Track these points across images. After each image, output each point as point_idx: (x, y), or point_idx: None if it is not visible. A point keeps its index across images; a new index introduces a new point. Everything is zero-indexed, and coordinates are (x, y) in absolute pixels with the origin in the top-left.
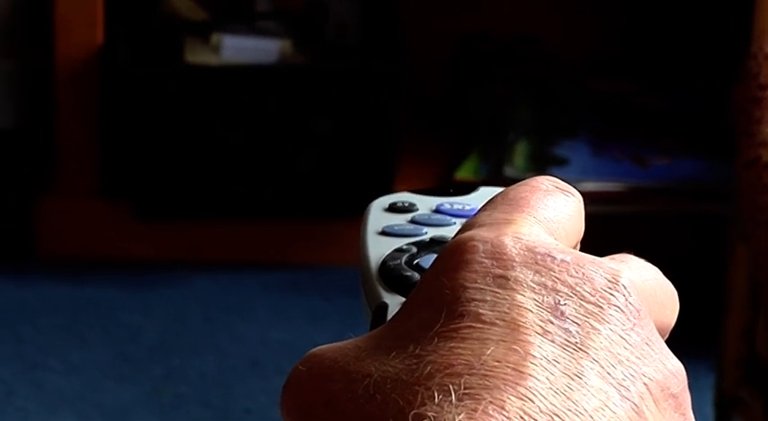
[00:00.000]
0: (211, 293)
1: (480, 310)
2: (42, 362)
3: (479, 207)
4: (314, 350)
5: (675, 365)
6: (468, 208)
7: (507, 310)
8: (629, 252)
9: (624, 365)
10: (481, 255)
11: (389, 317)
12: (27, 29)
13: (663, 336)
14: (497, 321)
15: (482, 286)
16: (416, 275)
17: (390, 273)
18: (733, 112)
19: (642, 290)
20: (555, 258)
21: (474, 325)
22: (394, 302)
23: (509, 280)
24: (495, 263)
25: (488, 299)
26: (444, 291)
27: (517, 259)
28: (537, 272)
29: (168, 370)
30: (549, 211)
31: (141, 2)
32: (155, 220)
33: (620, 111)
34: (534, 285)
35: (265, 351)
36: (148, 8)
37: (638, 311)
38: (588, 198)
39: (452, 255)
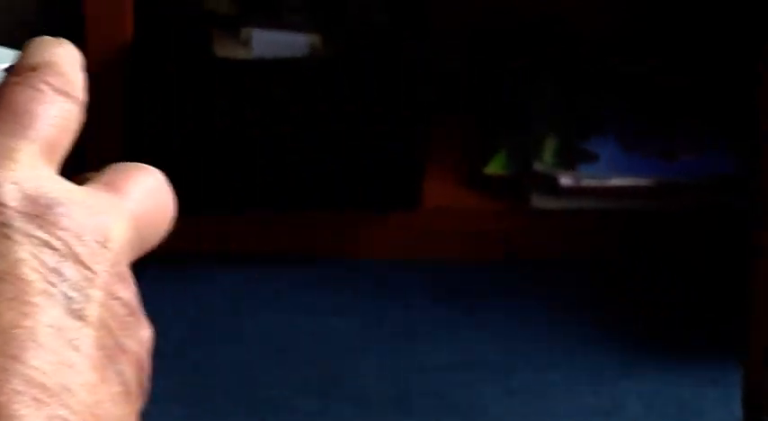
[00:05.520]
0: (239, 286)
1: None
2: None
3: None
4: None
5: (148, 333)
6: None
7: (10, 268)
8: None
9: (114, 337)
10: None
11: None
12: (55, 24)
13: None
14: (4, 276)
15: None
16: None
17: None
18: (758, 108)
19: (131, 239)
20: (53, 210)
21: None
22: None
23: (11, 232)
24: None
25: None
26: None
27: (18, 209)
28: (39, 226)
29: (196, 362)
30: (54, 131)
31: None
32: (183, 213)
33: (648, 93)
34: (36, 241)
35: (291, 344)
36: (178, 2)
37: (122, 277)
38: (617, 194)
39: None
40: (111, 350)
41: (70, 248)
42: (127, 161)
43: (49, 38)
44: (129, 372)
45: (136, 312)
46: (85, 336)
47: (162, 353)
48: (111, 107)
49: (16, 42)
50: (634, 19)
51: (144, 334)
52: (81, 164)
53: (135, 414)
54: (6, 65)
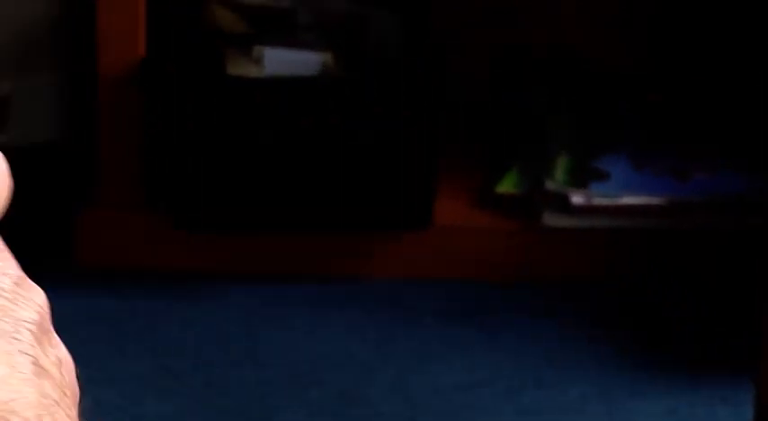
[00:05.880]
0: (252, 306)
1: None
2: (82, 373)
3: None
4: None
5: (41, 297)
6: None
7: None
8: None
9: (9, 316)
10: None
11: None
12: (68, 42)
13: None
14: None
15: None
16: None
17: None
18: None
19: None
20: None
21: None
22: None
23: None
24: None
25: None
26: None
27: None
28: None
29: (208, 382)
30: None
31: (183, 14)
32: (196, 232)
33: (659, 111)
34: None
35: (305, 364)
36: (190, 21)
37: (3, 250)
38: (629, 212)
39: None
40: (11, 331)
41: None
42: (142, 178)
43: None
44: (37, 344)
45: (23, 279)
46: None
47: (175, 373)
48: (123, 124)
49: (30, 61)
50: (646, 39)
51: (38, 298)
52: (95, 180)
53: (56, 380)
54: None
